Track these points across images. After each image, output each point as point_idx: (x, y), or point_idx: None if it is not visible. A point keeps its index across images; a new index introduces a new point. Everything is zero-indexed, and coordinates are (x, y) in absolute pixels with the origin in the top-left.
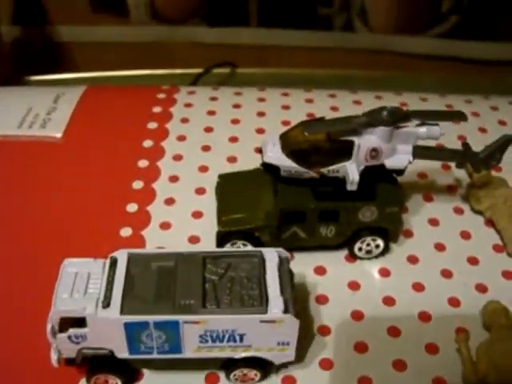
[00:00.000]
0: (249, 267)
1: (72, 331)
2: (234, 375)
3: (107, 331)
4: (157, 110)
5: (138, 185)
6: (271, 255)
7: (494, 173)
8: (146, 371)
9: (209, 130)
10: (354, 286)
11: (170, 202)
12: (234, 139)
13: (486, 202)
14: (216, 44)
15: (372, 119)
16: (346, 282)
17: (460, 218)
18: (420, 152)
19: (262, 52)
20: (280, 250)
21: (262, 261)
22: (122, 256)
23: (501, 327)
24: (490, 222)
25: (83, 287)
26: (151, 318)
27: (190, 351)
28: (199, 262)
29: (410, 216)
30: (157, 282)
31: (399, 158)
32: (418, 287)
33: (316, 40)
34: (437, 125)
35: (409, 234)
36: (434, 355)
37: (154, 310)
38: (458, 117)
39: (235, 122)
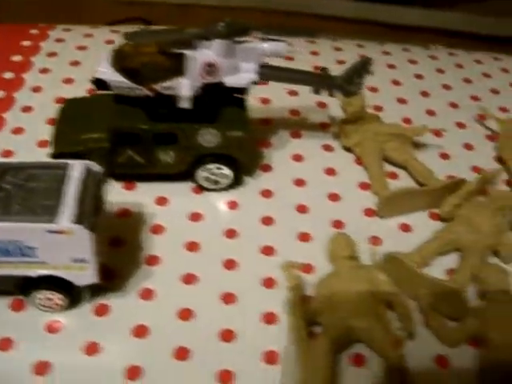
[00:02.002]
0: (51, 178)
1: None
2: (39, 299)
3: None
4: (26, 43)
5: None
6: (77, 167)
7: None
8: None
9: (75, 63)
10: (195, 217)
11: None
12: None
13: (355, 137)
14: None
15: (206, 31)
16: (186, 213)
17: (328, 154)
18: (267, 72)
19: (180, 10)
20: (90, 163)
21: (66, 173)
22: None
23: (341, 259)
24: (359, 160)
25: None
26: None
27: None
28: None
29: (273, 151)
30: None
31: (241, 76)
32: (267, 221)
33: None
34: (284, 41)
35: (268, 168)
36: (270, 289)
37: None
38: (306, 33)
39: None
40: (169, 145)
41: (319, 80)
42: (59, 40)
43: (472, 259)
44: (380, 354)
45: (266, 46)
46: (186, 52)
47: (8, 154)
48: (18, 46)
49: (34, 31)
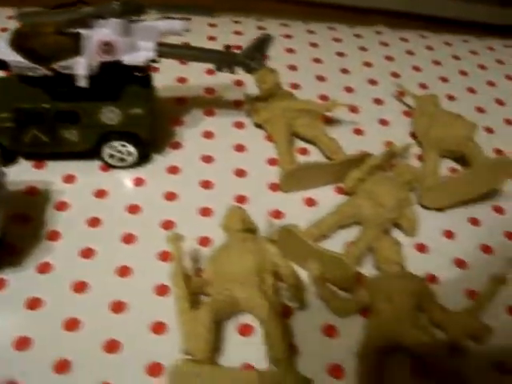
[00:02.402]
0: None
1: None
2: None
3: None
4: None
5: None
6: None
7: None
8: None
9: None
10: (100, 194)
11: None
12: None
13: (264, 114)
14: None
15: (101, 10)
16: (92, 190)
17: (239, 131)
18: (165, 49)
19: None
20: None
21: None
22: None
23: (233, 231)
24: (270, 137)
25: None
26: None
27: None
28: None
29: (185, 129)
30: None
31: (139, 54)
32: (170, 196)
33: None
34: (181, 19)
35: (178, 145)
36: (165, 262)
37: None
38: (203, 12)
39: None
40: (72, 123)
41: (219, 57)
42: None
43: (370, 232)
44: (262, 323)
45: (162, 24)
46: (82, 31)
47: None
48: None
49: None
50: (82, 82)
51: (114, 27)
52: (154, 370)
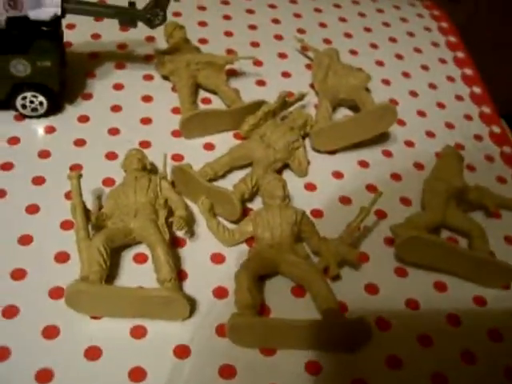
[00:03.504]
0: None
1: None
2: None
3: None
4: None
5: None
6: None
7: None
8: None
9: None
10: (13, 141)
11: None
12: None
13: (169, 66)
14: None
15: None
16: (5, 138)
17: (147, 83)
18: (70, 6)
19: None
20: None
21: None
22: None
23: (134, 170)
24: (175, 87)
25: None
26: None
27: None
28: None
29: (96, 81)
30: None
31: (45, 10)
32: (79, 143)
33: None
34: None
35: (88, 96)
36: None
37: None
38: None
39: None
40: None
41: (123, 13)
42: None
43: (258, 171)
44: (152, 249)
45: None
46: None
47: None
48: None
49: None
50: None
51: None
52: (56, 293)
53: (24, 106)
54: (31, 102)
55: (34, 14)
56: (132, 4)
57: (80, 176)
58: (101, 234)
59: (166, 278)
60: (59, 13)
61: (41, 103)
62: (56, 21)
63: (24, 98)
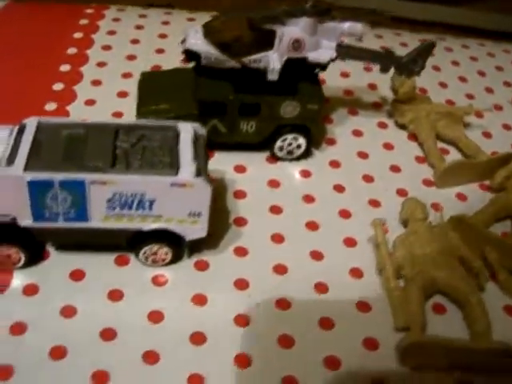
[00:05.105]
0: (162, 138)
1: None
2: (144, 253)
3: (9, 193)
4: (84, 22)
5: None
6: (186, 128)
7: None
8: (52, 252)
9: (136, 41)
10: (274, 184)
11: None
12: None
13: (409, 115)
14: None
15: (294, 9)
16: (265, 180)
17: (384, 131)
18: (344, 50)
19: None
20: (196, 125)
21: (177, 133)
22: (31, 123)
23: (417, 220)
24: (413, 137)
25: None
26: (56, 176)
27: (97, 220)
28: (111, 131)
29: (334, 127)
30: (65, 147)
31: (323, 52)
32: (339, 188)
33: None
34: (360, 22)
35: (332, 142)
36: (352, 247)
37: (60, 168)
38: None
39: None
40: (252, 115)
41: (388, 59)
42: (116, 19)
43: None
44: (461, 298)
45: (345, 25)
46: (276, 28)
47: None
48: (77, 25)
49: (89, 11)
50: (274, 76)
51: (304, 26)
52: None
53: (281, 149)
54: (289, 144)
55: (313, 56)
56: (388, 50)
57: (383, 223)
58: (412, 284)
59: (482, 331)
60: (335, 56)
61: (298, 146)
62: (327, 64)
63: (284, 140)
